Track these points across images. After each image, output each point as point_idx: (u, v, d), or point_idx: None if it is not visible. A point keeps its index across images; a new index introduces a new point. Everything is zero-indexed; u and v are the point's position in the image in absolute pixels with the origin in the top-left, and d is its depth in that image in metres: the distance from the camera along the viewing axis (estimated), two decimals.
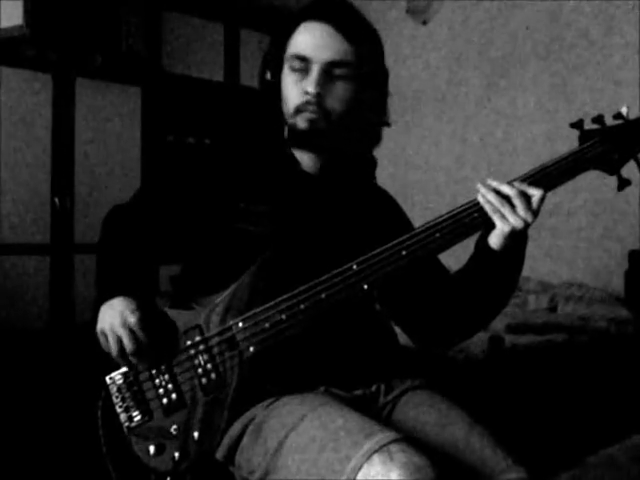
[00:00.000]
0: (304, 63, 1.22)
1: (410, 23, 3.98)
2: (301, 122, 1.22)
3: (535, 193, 1.14)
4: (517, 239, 1.17)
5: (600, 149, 1.19)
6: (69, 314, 3.38)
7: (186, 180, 1.31)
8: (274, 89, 1.27)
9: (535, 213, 1.14)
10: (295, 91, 1.22)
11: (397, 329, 1.40)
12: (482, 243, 1.20)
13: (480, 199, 1.15)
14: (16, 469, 2.29)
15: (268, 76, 1.28)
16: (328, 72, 1.21)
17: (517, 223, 1.13)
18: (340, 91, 1.23)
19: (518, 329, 2.54)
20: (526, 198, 1.14)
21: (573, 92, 3.36)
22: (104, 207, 1.37)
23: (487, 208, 1.15)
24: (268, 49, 1.31)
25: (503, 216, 1.14)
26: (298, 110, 1.22)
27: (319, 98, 1.21)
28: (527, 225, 1.14)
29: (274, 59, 1.27)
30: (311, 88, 1.20)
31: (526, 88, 3.55)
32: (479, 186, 1.16)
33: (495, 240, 1.17)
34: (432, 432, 1.18)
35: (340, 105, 1.23)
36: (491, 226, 1.17)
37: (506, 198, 1.14)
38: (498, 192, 1.15)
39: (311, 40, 1.21)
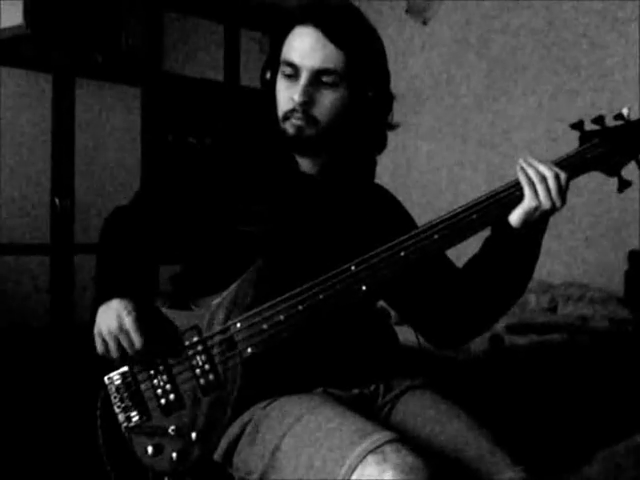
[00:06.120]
0: (294, 69, 1.21)
1: (410, 23, 3.97)
2: (289, 128, 1.23)
3: (562, 176, 1.16)
4: (538, 222, 1.18)
5: (600, 150, 1.19)
6: (69, 314, 3.37)
7: (186, 181, 1.31)
8: (270, 92, 1.27)
9: (564, 198, 1.16)
10: (284, 97, 1.23)
11: (396, 328, 1.40)
12: (500, 225, 1.20)
13: (519, 171, 1.18)
14: (16, 469, 2.29)
15: (268, 77, 1.28)
16: (316, 79, 1.20)
17: (546, 202, 1.15)
18: (328, 98, 1.21)
19: (518, 329, 2.54)
20: (558, 181, 1.16)
21: (573, 92, 3.35)
22: (104, 207, 1.38)
23: (522, 179, 1.17)
24: (269, 50, 1.30)
25: (536, 192, 1.16)
26: (286, 116, 1.22)
27: (305, 106, 1.20)
28: (554, 208, 1.16)
29: (272, 62, 1.27)
30: (297, 96, 1.19)
31: (526, 88, 3.54)
32: (521, 160, 1.18)
33: (516, 216, 1.18)
34: (431, 432, 1.18)
35: (328, 112, 1.22)
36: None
37: (543, 177, 1.16)
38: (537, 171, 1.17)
39: (300, 46, 1.20)
